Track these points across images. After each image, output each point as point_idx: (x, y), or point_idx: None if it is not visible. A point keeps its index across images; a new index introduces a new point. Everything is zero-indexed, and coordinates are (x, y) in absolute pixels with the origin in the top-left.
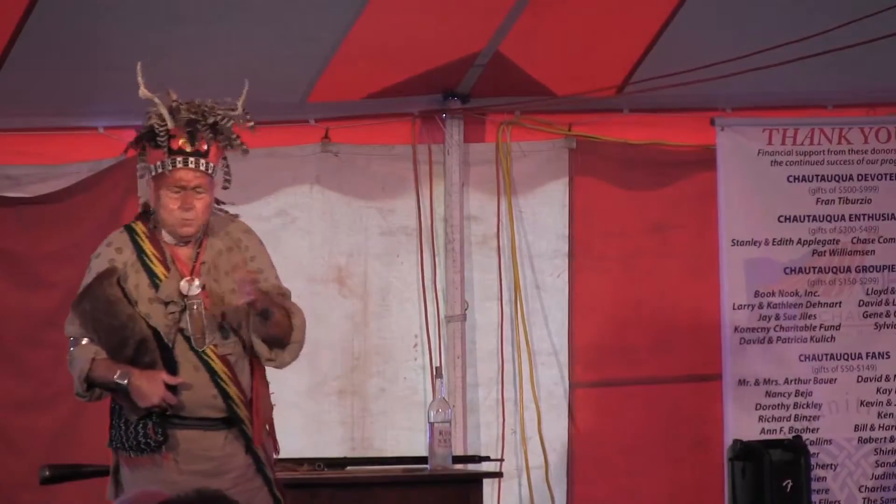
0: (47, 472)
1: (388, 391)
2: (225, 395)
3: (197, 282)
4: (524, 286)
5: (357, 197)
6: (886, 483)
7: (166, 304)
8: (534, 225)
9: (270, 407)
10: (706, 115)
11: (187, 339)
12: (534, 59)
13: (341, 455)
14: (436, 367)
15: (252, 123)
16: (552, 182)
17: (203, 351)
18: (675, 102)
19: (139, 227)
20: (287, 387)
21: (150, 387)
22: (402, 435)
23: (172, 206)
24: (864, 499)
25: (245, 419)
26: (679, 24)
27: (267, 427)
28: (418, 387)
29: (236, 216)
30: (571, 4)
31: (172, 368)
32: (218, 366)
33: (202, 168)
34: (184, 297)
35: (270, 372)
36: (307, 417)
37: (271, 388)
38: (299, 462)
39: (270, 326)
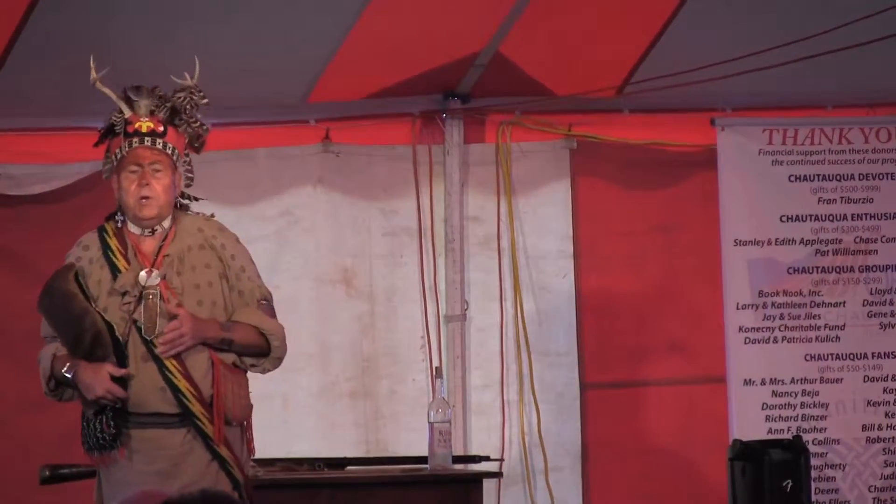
0: (47, 472)
1: (399, 393)
2: (173, 388)
3: (156, 273)
4: (529, 287)
5: (359, 197)
6: None
7: (123, 295)
8: (536, 225)
9: (244, 407)
10: (706, 115)
11: (139, 329)
12: (534, 59)
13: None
14: (435, 368)
15: (206, 100)
16: (553, 182)
17: (152, 341)
18: (675, 103)
19: (109, 226)
20: (300, 389)
21: (93, 379)
22: (414, 437)
23: (130, 185)
24: (874, 499)
25: (199, 415)
26: (679, 24)
27: (244, 424)
28: (428, 388)
29: (211, 216)
30: (571, 4)
31: (123, 361)
32: (167, 358)
33: (158, 146)
34: (142, 287)
35: (279, 374)
36: (320, 419)
37: (276, 389)
38: (299, 462)
39: (240, 351)
